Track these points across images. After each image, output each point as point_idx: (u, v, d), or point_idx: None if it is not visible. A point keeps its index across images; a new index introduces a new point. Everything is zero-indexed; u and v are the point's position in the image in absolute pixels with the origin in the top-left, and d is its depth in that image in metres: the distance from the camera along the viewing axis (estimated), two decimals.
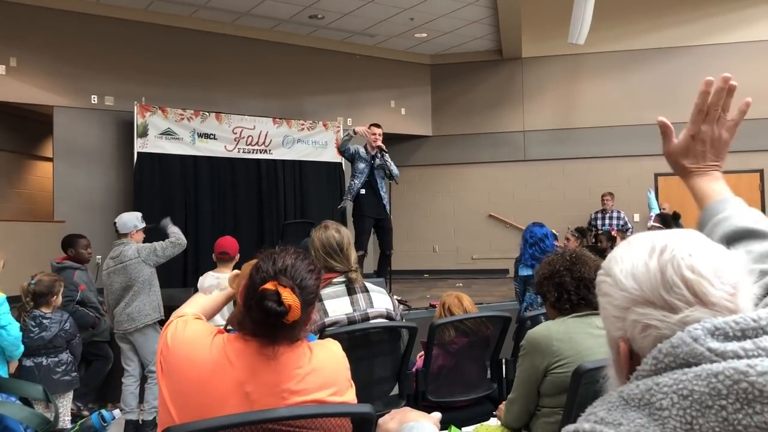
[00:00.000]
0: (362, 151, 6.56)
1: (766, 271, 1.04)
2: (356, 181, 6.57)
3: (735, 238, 1.12)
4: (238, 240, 7.80)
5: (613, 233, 8.26)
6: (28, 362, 3.83)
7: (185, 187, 8.49)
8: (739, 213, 1.16)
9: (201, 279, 3.39)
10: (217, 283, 2.12)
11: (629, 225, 9.55)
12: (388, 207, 6.67)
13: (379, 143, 6.38)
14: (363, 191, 6.51)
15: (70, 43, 8.06)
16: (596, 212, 9.78)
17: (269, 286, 1.48)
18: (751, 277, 0.87)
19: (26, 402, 1.77)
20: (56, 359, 3.90)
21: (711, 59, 9.64)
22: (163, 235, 5.14)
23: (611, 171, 10.24)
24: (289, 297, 1.47)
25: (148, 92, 8.37)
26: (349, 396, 1.63)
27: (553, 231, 5.83)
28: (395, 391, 3.09)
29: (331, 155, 9.27)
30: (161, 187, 8.30)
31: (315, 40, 9.76)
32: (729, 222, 1.15)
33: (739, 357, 0.76)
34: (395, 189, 7.84)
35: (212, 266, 4.89)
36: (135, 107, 8.08)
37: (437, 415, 1.29)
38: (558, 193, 10.48)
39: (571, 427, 0.82)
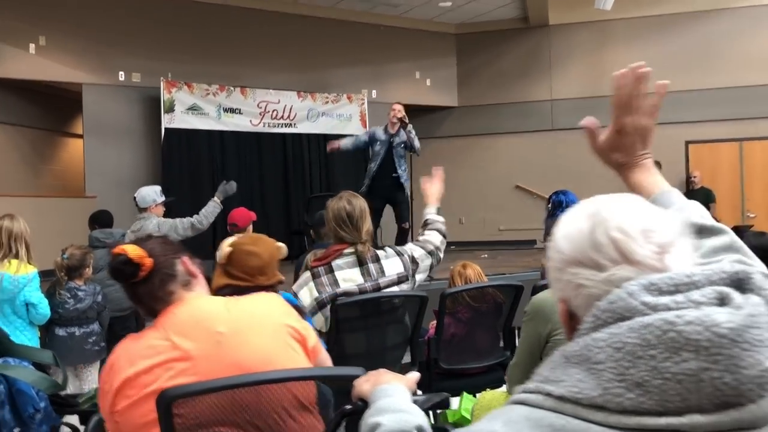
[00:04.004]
0: (379, 133, 6.57)
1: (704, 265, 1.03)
2: (372, 165, 6.62)
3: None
4: (265, 213, 7.91)
5: None
6: (61, 332, 4.00)
7: (212, 162, 8.63)
8: (687, 208, 1.18)
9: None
10: None
11: None
12: (407, 183, 6.66)
13: (401, 116, 6.36)
14: (378, 171, 6.55)
15: (97, 21, 8.17)
16: None
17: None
18: (684, 239, 0.89)
19: (39, 367, 1.85)
20: (88, 330, 4.06)
21: (744, 22, 9.36)
22: (181, 213, 5.20)
23: None
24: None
25: (174, 68, 8.47)
26: None
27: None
28: (408, 358, 3.15)
29: (356, 128, 9.28)
30: (188, 161, 8.45)
31: (339, 11, 9.73)
32: (682, 217, 1.13)
33: (670, 309, 0.78)
34: (420, 161, 7.84)
35: None
36: (161, 83, 8.19)
37: (414, 376, 1.32)
38: (587, 163, 10.29)
39: (519, 387, 0.85)
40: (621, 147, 1.25)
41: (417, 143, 6.48)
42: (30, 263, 3.79)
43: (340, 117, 9.38)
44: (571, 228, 0.91)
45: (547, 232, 5.09)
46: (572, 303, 0.89)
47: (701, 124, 9.80)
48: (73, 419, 2.13)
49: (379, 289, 2.78)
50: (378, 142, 6.55)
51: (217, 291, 2.09)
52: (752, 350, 0.75)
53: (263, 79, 9.07)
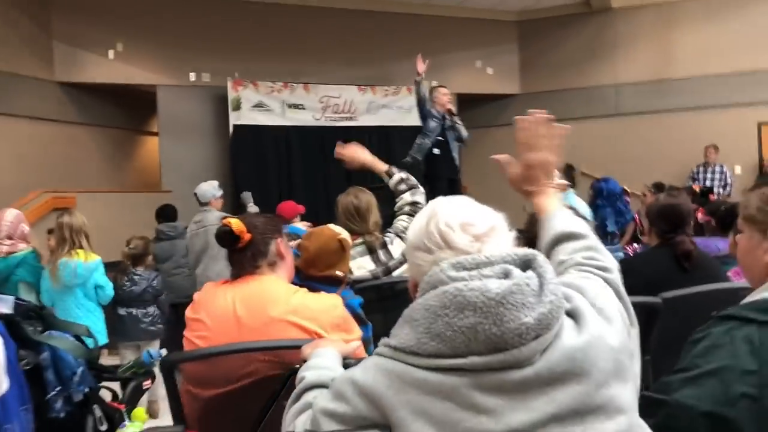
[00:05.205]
0: (434, 110, 6.63)
1: (562, 261, 1.32)
2: (427, 140, 6.57)
3: (556, 241, 1.38)
4: (328, 204, 8.21)
5: (695, 188, 7.97)
6: (122, 311, 4.48)
7: (278, 156, 9.04)
8: (561, 221, 1.42)
9: None
10: None
11: (729, 180, 9.14)
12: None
13: (449, 107, 6.49)
14: (437, 151, 6.55)
15: (169, 25, 8.72)
16: (698, 166, 9.42)
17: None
18: (505, 235, 1.17)
19: (79, 339, 2.19)
20: (144, 311, 4.51)
21: None
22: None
23: (710, 122, 9.75)
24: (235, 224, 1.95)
25: (240, 67, 8.91)
26: None
27: (624, 187, 5.74)
28: None
29: (416, 119, 9.44)
30: (256, 157, 8.88)
31: (398, 5, 9.92)
32: (552, 230, 1.41)
33: (464, 280, 1.05)
34: (483, 150, 7.93)
35: None
36: (229, 82, 8.65)
37: (353, 345, 1.57)
38: (654, 148, 10.12)
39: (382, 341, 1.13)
40: (528, 179, 1.50)
41: (465, 132, 6.56)
42: (92, 251, 4.24)
43: (399, 109, 9.60)
44: (416, 222, 1.20)
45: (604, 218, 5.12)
46: (415, 278, 1.17)
47: None
48: (115, 386, 2.47)
49: (389, 271, 3.01)
50: (434, 119, 6.53)
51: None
52: (513, 309, 1.01)
53: (325, 75, 9.39)
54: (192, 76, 8.92)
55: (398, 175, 3.24)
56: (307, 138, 9.15)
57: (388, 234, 3.13)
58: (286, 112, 9.02)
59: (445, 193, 7.05)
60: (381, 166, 3.27)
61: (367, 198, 3.11)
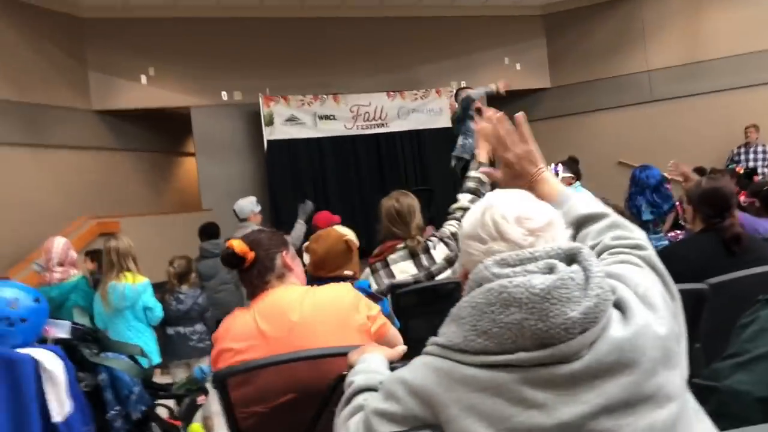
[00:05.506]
0: (472, 111, 6.68)
1: (593, 245, 1.30)
2: (470, 140, 6.65)
3: (578, 224, 1.37)
4: (364, 210, 8.29)
5: (738, 170, 7.77)
6: (170, 330, 4.55)
7: (312, 167, 9.13)
8: (577, 203, 1.41)
9: None
10: None
11: None
12: None
13: (478, 106, 6.50)
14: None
15: (198, 47, 8.88)
16: (739, 147, 9.20)
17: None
18: (561, 230, 1.17)
19: (133, 359, 2.25)
20: (192, 329, 4.58)
21: None
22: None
23: (748, 102, 9.52)
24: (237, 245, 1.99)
25: (270, 83, 9.03)
26: None
27: (665, 174, 5.64)
28: None
29: (446, 121, 9.46)
30: (291, 169, 8.99)
31: (421, 8, 9.93)
32: (569, 214, 1.39)
33: (509, 277, 1.05)
34: None
35: None
36: (260, 99, 8.78)
37: (399, 349, 1.58)
38: (692, 132, 9.93)
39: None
40: (516, 175, 1.50)
41: None
42: (140, 274, 4.34)
43: (430, 111, 9.60)
44: (471, 212, 1.20)
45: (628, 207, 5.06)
46: (467, 267, 1.18)
47: None
48: (171, 403, 2.54)
49: (432, 276, 2.99)
50: (473, 119, 6.59)
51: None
52: (558, 304, 1.01)
53: (353, 84, 9.46)
54: (224, 96, 9.08)
55: (480, 175, 3.02)
56: (340, 147, 9.23)
57: (431, 238, 3.12)
58: (318, 124, 9.11)
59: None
60: (483, 155, 3.08)
61: (409, 201, 3.11)
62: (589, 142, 10.63)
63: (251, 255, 1.99)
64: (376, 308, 2.09)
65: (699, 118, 9.86)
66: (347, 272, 2.60)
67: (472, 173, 3.10)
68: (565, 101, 10.69)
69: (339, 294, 2.04)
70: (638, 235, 1.30)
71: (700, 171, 6.85)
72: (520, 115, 1.48)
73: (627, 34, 10.24)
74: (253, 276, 2.02)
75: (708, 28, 9.81)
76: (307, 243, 2.69)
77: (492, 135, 1.50)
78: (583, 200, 1.42)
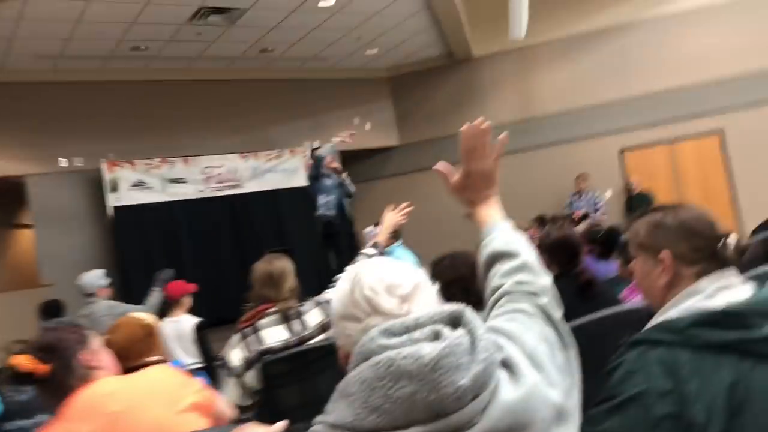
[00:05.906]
0: (324, 170, 6.83)
1: (497, 287, 1.31)
2: (331, 197, 6.83)
3: (492, 260, 1.38)
4: (221, 274, 8.03)
5: (575, 216, 8.46)
6: (9, 426, 4.07)
7: (164, 233, 8.74)
8: (497, 238, 1.40)
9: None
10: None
11: (599, 204, 9.75)
12: None
13: (334, 165, 6.65)
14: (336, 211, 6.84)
15: (33, 112, 8.32)
16: (572, 195, 9.99)
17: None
18: (428, 291, 1.15)
19: None
20: (33, 421, 4.13)
21: (652, 33, 9.90)
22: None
23: (576, 153, 10.43)
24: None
25: (114, 148, 8.63)
26: None
27: None
28: None
29: (302, 180, 9.51)
30: (141, 236, 8.55)
31: (271, 71, 10.02)
32: (488, 247, 1.40)
33: (396, 348, 1.02)
34: (368, 202, 8.07)
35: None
36: (103, 164, 8.34)
37: (280, 425, 1.50)
38: (529, 183, 10.65)
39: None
40: (469, 187, 1.48)
41: (352, 188, 6.82)
42: None
43: (285, 171, 9.61)
44: (339, 290, 1.16)
45: None
46: (346, 348, 1.12)
47: (633, 131, 10.16)
48: None
49: (303, 341, 2.93)
50: (328, 177, 6.83)
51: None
52: (448, 373, 0.99)
53: (204, 146, 9.27)
54: (62, 162, 8.53)
55: (372, 252, 3.04)
56: (192, 211, 8.94)
57: (305, 303, 3.07)
58: (167, 188, 8.79)
59: (346, 245, 7.23)
60: (383, 236, 3.08)
61: (281, 264, 3.04)
62: (437, 195, 11.01)
63: (44, 369, 1.74)
64: (198, 382, 2.02)
65: (535, 170, 10.62)
66: (154, 358, 2.40)
67: (367, 250, 3.11)
68: (413, 158, 11.11)
69: (161, 375, 1.93)
70: (542, 281, 1.31)
71: (540, 220, 7.36)
72: (504, 136, 1.45)
73: (466, 94, 10.92)
74: (53, 386, 1.76)
75: (537, 88, 10.71)
76: (106, 337, 2.49)
77: (471, 139, 1.44)
78: (504, 234, 1.41)
